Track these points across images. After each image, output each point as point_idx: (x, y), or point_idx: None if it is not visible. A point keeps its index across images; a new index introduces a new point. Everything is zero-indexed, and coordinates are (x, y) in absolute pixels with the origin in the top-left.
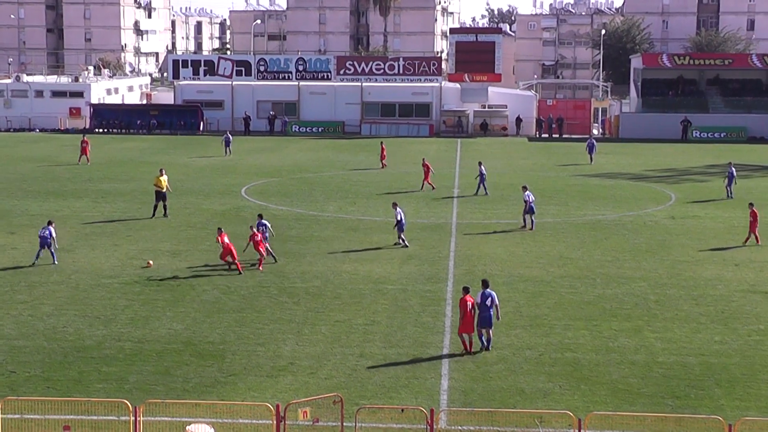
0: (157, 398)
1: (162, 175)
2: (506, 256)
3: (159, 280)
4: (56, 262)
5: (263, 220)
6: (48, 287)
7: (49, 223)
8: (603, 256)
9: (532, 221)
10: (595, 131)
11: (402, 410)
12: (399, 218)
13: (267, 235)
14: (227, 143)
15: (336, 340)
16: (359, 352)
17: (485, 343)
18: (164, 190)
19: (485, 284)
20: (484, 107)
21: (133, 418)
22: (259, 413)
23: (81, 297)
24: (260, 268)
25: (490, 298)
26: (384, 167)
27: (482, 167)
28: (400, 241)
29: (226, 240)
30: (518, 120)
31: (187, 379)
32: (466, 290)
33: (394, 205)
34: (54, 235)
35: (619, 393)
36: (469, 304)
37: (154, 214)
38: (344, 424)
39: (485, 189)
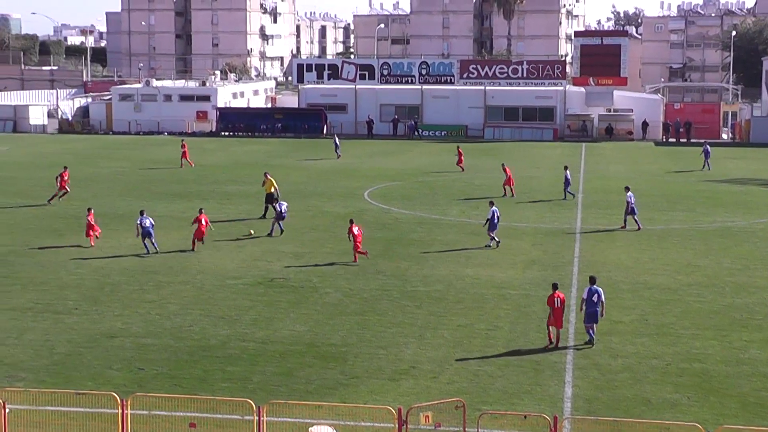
0: (279, 399)
1: (269, 177)
2: (631, 262)
3: (282, 281)
4: (157, 250)
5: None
6: (174, 287)
7: (142, 213)
8: (732, 264)
9: (636, 221)
10: (724, 136)
11: (525, 417)
12: (489, 216)
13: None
14: (336, 146)
15: (458, 344)
16: (481, 356)
17: (593, 336)
18: (272, 191)
19: (592, 281)
20: (610, 111)
21: (256, 418)
22: (381, 416)
23: (206, 297)
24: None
25: (596, 294)
26: (462, 170)
27: (567, 172)
28: (491, 241)
29: (355, 231)
30: (644, 124)
31: (310, 381)
32: (554, 287)
33: (491, 203)
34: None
35: (750, 407)
36: (557, 300)
37: (264, 215)
38: (466, 429)
39: (571, 193)
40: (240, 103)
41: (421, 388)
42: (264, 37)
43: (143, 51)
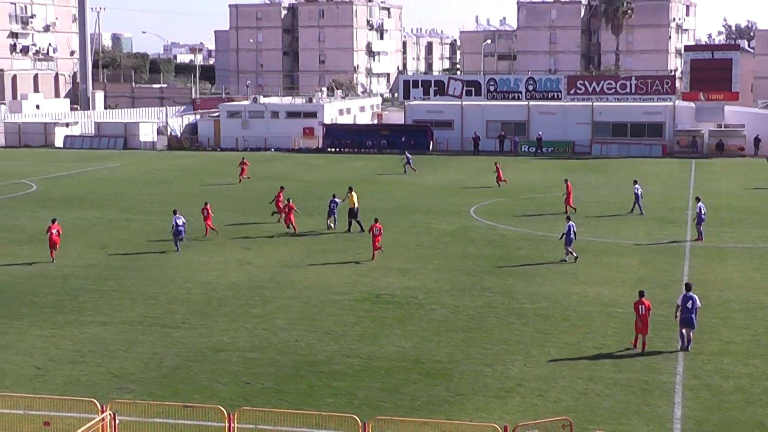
0: (385, 415)
1: (351, 192)
2: (744, 281)
3: (388, 297)
4: (179, 250)
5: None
6: (281, 302)
7: (175, 212)
8: None
9: (699, 232)
10: None
11: None
12: (566, 231)
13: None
14: (408, 162)
15: (565, 362)
16: (588, 375)
17: (685, 343)
18: (355, 207)
19: (688, 287)
20: (720, 127)
21: None
22: None
23: (312, 312)
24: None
25: (691, 301)
26: (504, 184)
27: (637, 186)
28: (567, 255)
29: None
30: (757, 140)
31: (415, 398)
32: (641, 294)
33: (567, 218)
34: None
35: None
36: (641, 307)
37: (349, 229)
38: None
39: (640, 208)
40: (346, 120)
41: (527, 406)
42: (370, 53)
43: (251, 68)
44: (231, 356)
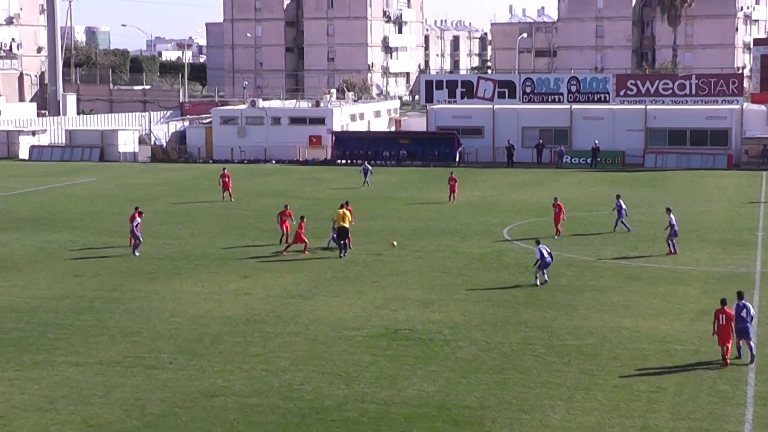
0: None
1: (344, 208)
2: None
3: (408, 333)
4: (136, 254)
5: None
6: (284, 339)
7: (140, 213)
8: None
9: (670, 245)
10: None
11: None
12: (539, 256)
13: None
14: (366, 173)
15: (614, 408)
16: (642, 424)
17: (744, 354)
18: (344, 224)
19: (740, 296)
20: None
21: None
22: None
23: (320, 351)
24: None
25: (745, 310)
26: (454, 201)
27: (620, 201)
28: (536, 280)
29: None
30: None
31: None
32: (723, 302)
33: (537, 241)
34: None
35: None
36: (722, 317)
37: (342, 253)
38: None
39: (625, 225)
40: (359, 127)
41: None
42: (387, 49)
43: (248, 67)
44: (226, 402)
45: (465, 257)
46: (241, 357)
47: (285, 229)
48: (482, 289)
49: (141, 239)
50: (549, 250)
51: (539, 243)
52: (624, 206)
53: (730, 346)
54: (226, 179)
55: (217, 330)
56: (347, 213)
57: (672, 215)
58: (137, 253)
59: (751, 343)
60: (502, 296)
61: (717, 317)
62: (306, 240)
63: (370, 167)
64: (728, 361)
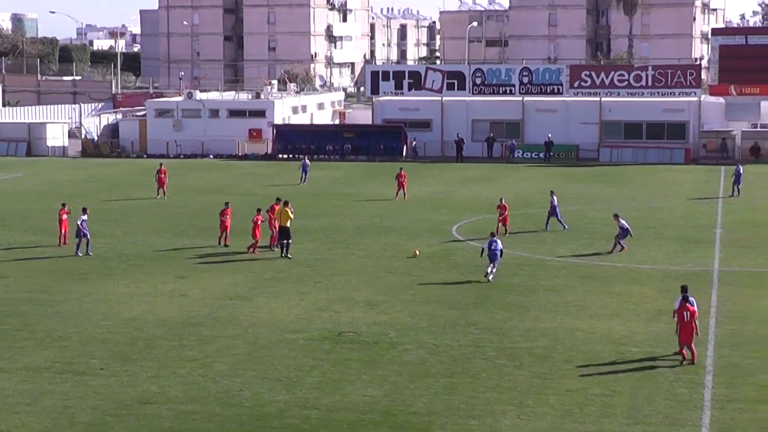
0: None
1: (286, 206)
2: None
3: (353, 335)
4: (90, 253)
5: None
6: (222, 342)
7: (84, 211)
8: None
9: (615, 245)
10: None
11: None
12: (486, 246)
13: None
14: (304, 169)
15: (567, 413)
16: (596, 429)
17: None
18: (286, 224)
19: (684, 290)
20: (756, 126)
21: None
22: None
23: (260, 355)
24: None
25: (687, 304)
26: (404, 198)
27: (554, 198)
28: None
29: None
30: None
31: None
32: (686, 299)
33: (492, 233)
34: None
35: None
36: (687, 314)
37: (284, 253)
38: None
39: (561, 222)
40: (302, 120)
41: None
42: (331, 39)
43: (185, 57)
44: (161, 409)
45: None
46: (176, 362)
47: (226, 229)
48: (431, 290)
49: (88, 236)
50: (500, 245)
51: (493, 236)
52: (557, 203)
53: (694, 346)
54: (162, 175)
55: (151, 333)
56: (288, 211)
57: (622, 220)
58: (89, 253)
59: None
60: (452, 297)
61: (681, 314)
62: (258, 237)
63: (309, 162)
64: (693, 359)
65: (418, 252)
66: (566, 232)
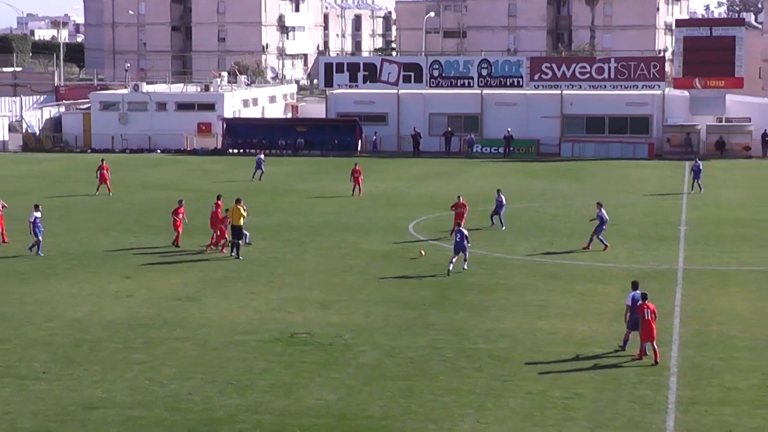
0: None
1: (238, 204)
2: (750, 313)
3: (306, 337)
4: (40, 254)
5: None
6: (170, 344)
7: (36, 208)
8: None
9: (592, 239)
10: None
11: None
12: (458, 239)
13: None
14: (259, 165)
15: (528, 417)
16: None
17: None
18: (239, 223)
19: (635, 286)
20: (721, 121)
21: None
22: None
23: (210, 357)
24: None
25: (640, 301)
26: (360, 194)
27: (501, 196)
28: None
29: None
30: (766, 137)
31: None
32: (644, 297)
33: (458, 223)
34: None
35: None
36: (646, 311)
37: (234, 253)
38: None
39: (501, 221)
40: (253, 113)
41: None
42: (283, 29)
43: (131, 48)
44: (107, 414)
45: (368, 255)
46: (122, 365)
47: (178, 229)
48: (387, 289)
49: (40, 238)
50: (466, 234)
51: (460, 225)
52: (504, 202)
53: (656, 344)
54: (104, 171)
55: (96, 336)
56: (241, 210)
57: (603, 210)
58: (39, 253)
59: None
60: (409, 297)
61: (641, 312)
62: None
63: (263, 158)
64: (653, 357)
65: (423, 252)
66: (524, 230)
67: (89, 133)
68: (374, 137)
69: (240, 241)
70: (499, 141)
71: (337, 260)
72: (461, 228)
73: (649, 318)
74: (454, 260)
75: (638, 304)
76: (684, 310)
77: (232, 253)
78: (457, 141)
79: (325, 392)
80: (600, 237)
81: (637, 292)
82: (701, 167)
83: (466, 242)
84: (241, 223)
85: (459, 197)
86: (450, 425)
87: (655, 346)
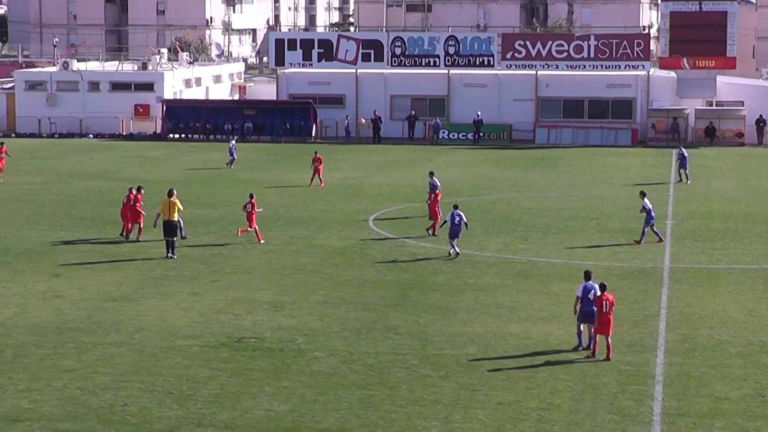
0: None
1: (172, 197)
2: (742, 316)
3: (255, 342)
4: None
5: None
6: (103, 350)
7: None
8: None
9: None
10: None
11: None
12: (449, 219)
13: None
14: (231, 153)
15: (499, 429)
16: None
17: (587, 343)
18: (173, 218)
19: (587, 276)
20: (711, 105)
21: None
22: None
23: (148, 364)
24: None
25: (592, 292)
26: (321, 184)
27: (434, 179)
28: (451, 249)
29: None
30: (760, 122)
31: None
32: (603, 287)
33: (455, 206)
34: None
35: None
36: (606, 303)
37: (170, 254)
38: None
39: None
40: (195, 95)
41: None
42: (229, 1)
43: (60, 21)
44: (32, 427)
45: (323, 251)
46: (50, 373)
47: (253, 223)
48: (344, 289)
49: None
50: (463, 217)
51: (457, 208)
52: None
53: (606, 338)
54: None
55: (21, 340)
56: (176, 203)
57: (647, 200)
58: None
59: (592, 330)
60: (368, 298)
61: (599, 304)
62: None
63: (234, 143)
64: (609, 355)
65: (363, 120)
66: (494, 224)
67: (13, 116)
68: (346, 121)
69: (174, 239)
70: (468, 126)
71: (289, 257)
72: (459, 211)
73: (607, 310)
74: (455, 244)
75: (596, 295)
76: (670, 312)
77: (168, 254)
78: (422, 126)
79: (276, 403)
80: (654, 229)
81: (590, 282)
82: (686, 155)
83: (461, 225)
84: (177, 218)
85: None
86: None
87: (609, 341)
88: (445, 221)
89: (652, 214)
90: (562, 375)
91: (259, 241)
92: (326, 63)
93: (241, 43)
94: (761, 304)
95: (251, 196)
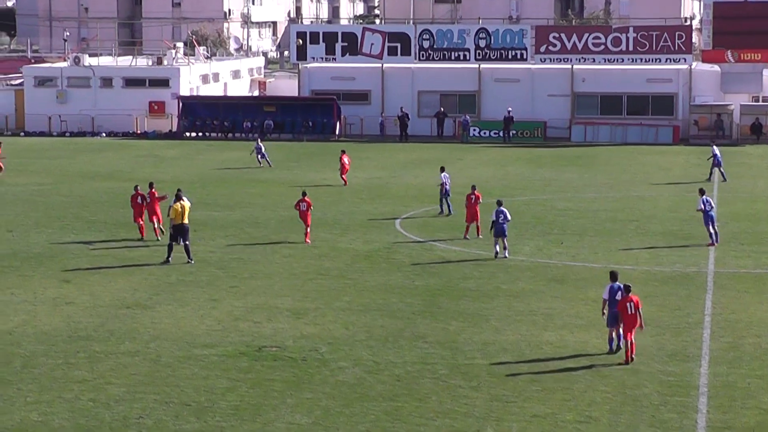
0: None
1: (181, 200)
2: None
3: (276, 351)
4: None
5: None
6: (117, 359)
7: None
8: None
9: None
10: None
11: None
12: (494, 218)
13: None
14: (259, 151)
15: None
16: None
17: (613, 345)
18: (184, 222)
19: (613, 277)
20: (757, 100)
21: None
22: None
23: (164, 375)
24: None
25: (620, 292)
26: (345, 184)
27: (444, 174)
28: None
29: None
30: None
31: None
32: (627, 289)
33: (498, 202)
34: None
35: None
36: (630, 306)
37: (168, 259)
38: None
39: (449, 207)
40: (213, 91)
41: None
42: None
43: (70, 14)
44: None
45: (347, 255)
46: (61, 383)
47: (308, 223)
48: (369, 296)
49: None
50: (507, 214)
51: (501, 204)
52: (449, 183)
53: (633, 337)
54: None
55: (30, 350)
56: (186, 206)
57: (706, 196)
58: None
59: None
60: (395, 304)
61: (624, 307)
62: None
63: (261, 145)
64: (632, 355)
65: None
66: (528, 227)
67: (22, 114)
68: (381, 119)
69: (189, 242)
70: (499, 123)
71: (312, 261)
72: (503, 208)
73: (633, 312)
74: (497, 248)
75: (619, 297)
76: (715, 319)
77: (169, 257)
78: (451, 123)
79: (298, 415)
80: (709, 229)
81: (617, 283)
82: (718, 152)
83: (505, 224)
84: (187, 222)
85: (473, 187)
86: None
87: (633, 341)
88: (492, 221)
89: (710, 213)
90: (600, 386)
91: (306, 241)
92: (350, 57)
93: (260, 37)
94: None
95: (304, 194)
